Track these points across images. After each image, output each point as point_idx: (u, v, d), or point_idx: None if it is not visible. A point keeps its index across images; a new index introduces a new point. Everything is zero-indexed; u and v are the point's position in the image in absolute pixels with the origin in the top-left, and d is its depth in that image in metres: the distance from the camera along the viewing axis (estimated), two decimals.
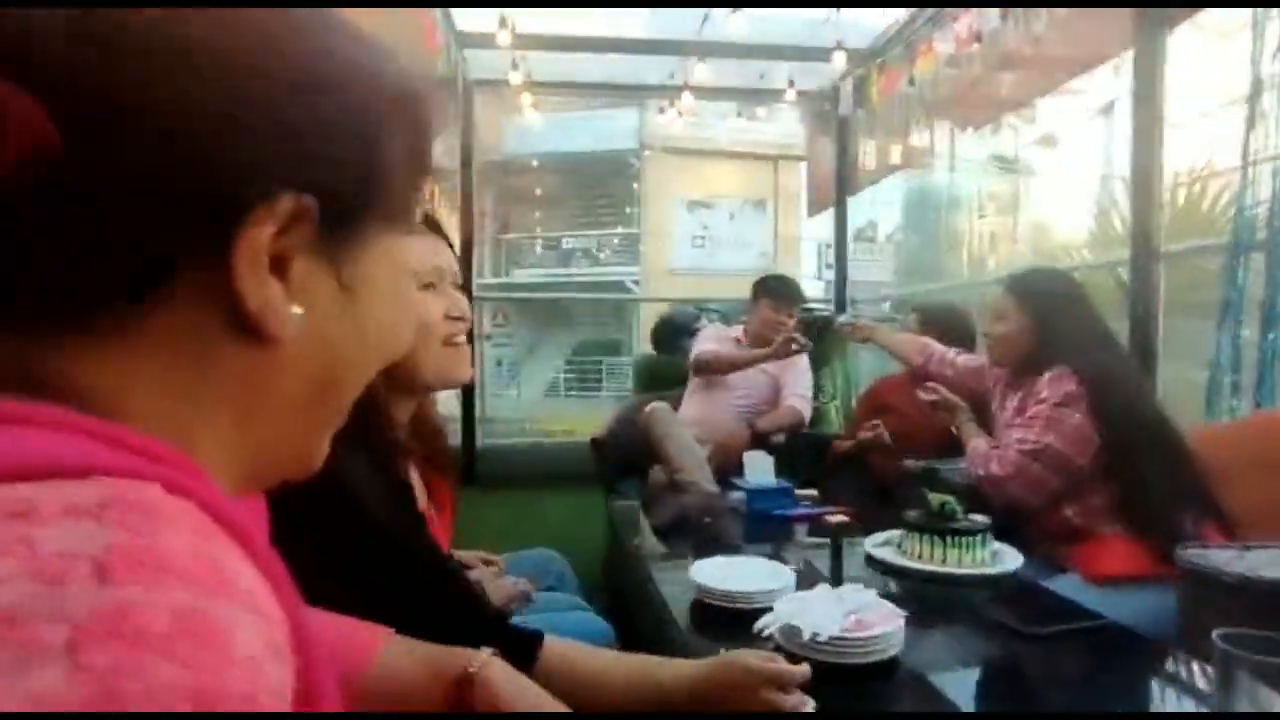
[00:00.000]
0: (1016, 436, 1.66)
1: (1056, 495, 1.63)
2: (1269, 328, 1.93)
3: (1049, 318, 1.74)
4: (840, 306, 4.74)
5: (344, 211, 0.35)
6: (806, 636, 0.98)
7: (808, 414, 2.72)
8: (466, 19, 3.51)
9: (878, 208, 13.12)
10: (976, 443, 1.78)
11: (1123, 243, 2.63)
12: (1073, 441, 1.59)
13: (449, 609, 0.85)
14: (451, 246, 1.06)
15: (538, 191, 14.10)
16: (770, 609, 1.07)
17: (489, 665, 0.72)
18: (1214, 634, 0.72)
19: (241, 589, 0.26)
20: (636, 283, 12.85)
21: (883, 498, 2.10)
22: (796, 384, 2.73)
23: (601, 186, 14.06)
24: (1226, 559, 1.16)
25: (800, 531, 1.79)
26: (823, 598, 1.07)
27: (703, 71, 3.44)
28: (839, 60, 3.30)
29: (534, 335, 14.03)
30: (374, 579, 0.82)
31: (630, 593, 1.60)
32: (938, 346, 2.21)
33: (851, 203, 5.33)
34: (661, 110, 4.12)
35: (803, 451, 2.72)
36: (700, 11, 3.12)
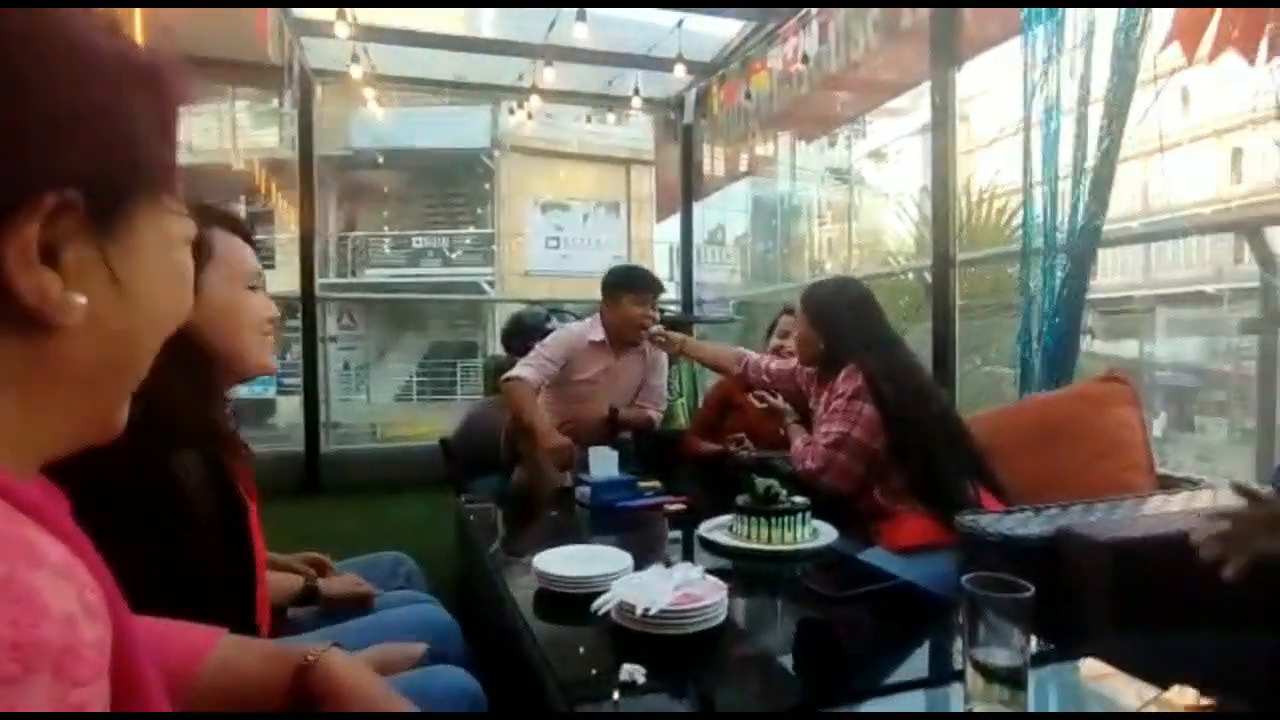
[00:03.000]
0: (822, 431, 1.85)
1: (863, 479, 1.81)
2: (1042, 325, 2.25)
3: (831, 324, 1.93)
4: (688, 307, 4.95)
5: (110, 197, 0.37)
6: (639, 612, 1.05)
7: (659, 421, 2.83)
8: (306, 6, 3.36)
9: (727, 213, 13.75)
10: (796, 442, 1.96)
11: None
12: (867, 429, 1.78)
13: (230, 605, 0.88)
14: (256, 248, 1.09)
15: (386, 188, 13.55)
16: (607, 591, 1.14)
17: (330, 653, 0.73)
18: (963, 579, 0.87)
19: (51, 559, 0.28)
20: (491, 283, 12.67)
21: (726, 487, 2.24)
22: (656, 391, 2.80)
23: (454, 185, 13.74)
24: (991, 522, 1.37)
25: (644, 520, 1.89)
26: (654, 577, 1.15)
27: (551, 75, 3.48)
28: (680, 72, 3.46)
29: (384, 337, 13.47)
30: (187, 571, 0.82)
31: (478, 586, 1.62)
32: (751, 355, 2.35)
33: (701, 207, 5.57)
34: (512, 111, 4.14)
35: (651, 448, 2.85)
36: (548, 17, 3.17)
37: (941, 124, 2.63)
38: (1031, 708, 0.86)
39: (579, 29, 2.95)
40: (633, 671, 0.95)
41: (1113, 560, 1.19)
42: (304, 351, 4.11)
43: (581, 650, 1.08)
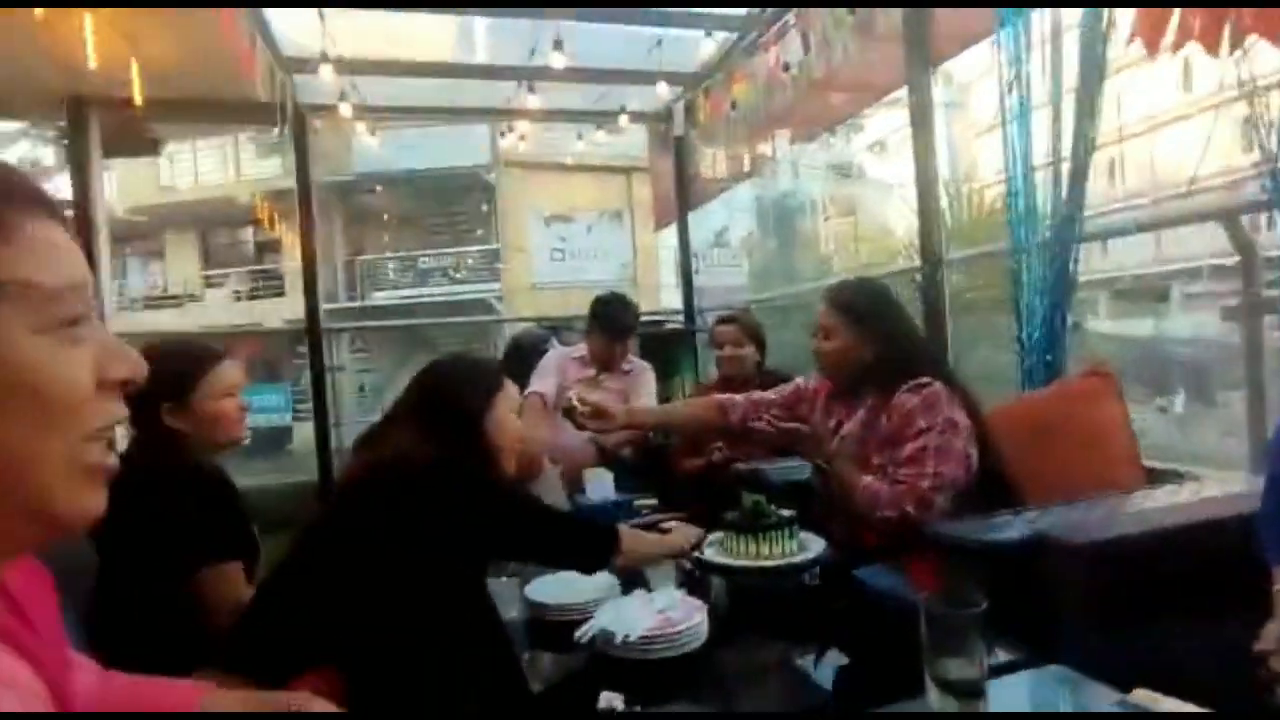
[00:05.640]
0: (912, 472, 1.58)
1: None
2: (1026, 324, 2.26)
3: (888, 330, 1.73)
4: (690, 317, 4.98)
5: None
6: (618, 639, 1.08)
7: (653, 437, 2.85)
8: (293, 44, 3.43)
9: (732, 214, 13.77)
10: (868, 482, 1.65)
11: (951, 241, 2.88)
12: (962, 465, 1.60)
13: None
14: None
15: (390, 211, 13.70)
16: (591, 617, 1.17)
17: (310, 700, 0.78)
18: (920, 595, 0.89)
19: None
20: (499, 299, 12.77)
21: (719, 501, 2.24)
22: (643, 403, 2.83)
23: (456, 203, 13.87)
24: (971, 529, 1.38)
25: None
26: (636, 602, 1.19)
27: (535, 99, 3.53)
28: (663, 88, 3.49)
29: (397, 358, 13.60)
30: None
31: None
32: (738, 399, 2.05)
33: (704, 212, 5.56)
34: (503, 134, 4.19)
35: (649, 463, 2.87)
36: (528, 41, 3.22)
37: (921, 125, 2.64)
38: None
39: (555, 58, 3.00)
40: (610, 699, 0.98)
41: (1087, 564, 1.21)
42: (311, 380, 4.18)
43: (566, 678, 1.12)
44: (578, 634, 1.14)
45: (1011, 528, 1.39)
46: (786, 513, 1.60)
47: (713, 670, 1.13)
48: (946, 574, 1.42)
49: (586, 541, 1.31)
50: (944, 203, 3.24)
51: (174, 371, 1.46)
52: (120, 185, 13.79)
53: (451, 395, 1.32)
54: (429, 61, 3.50)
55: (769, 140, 4.96)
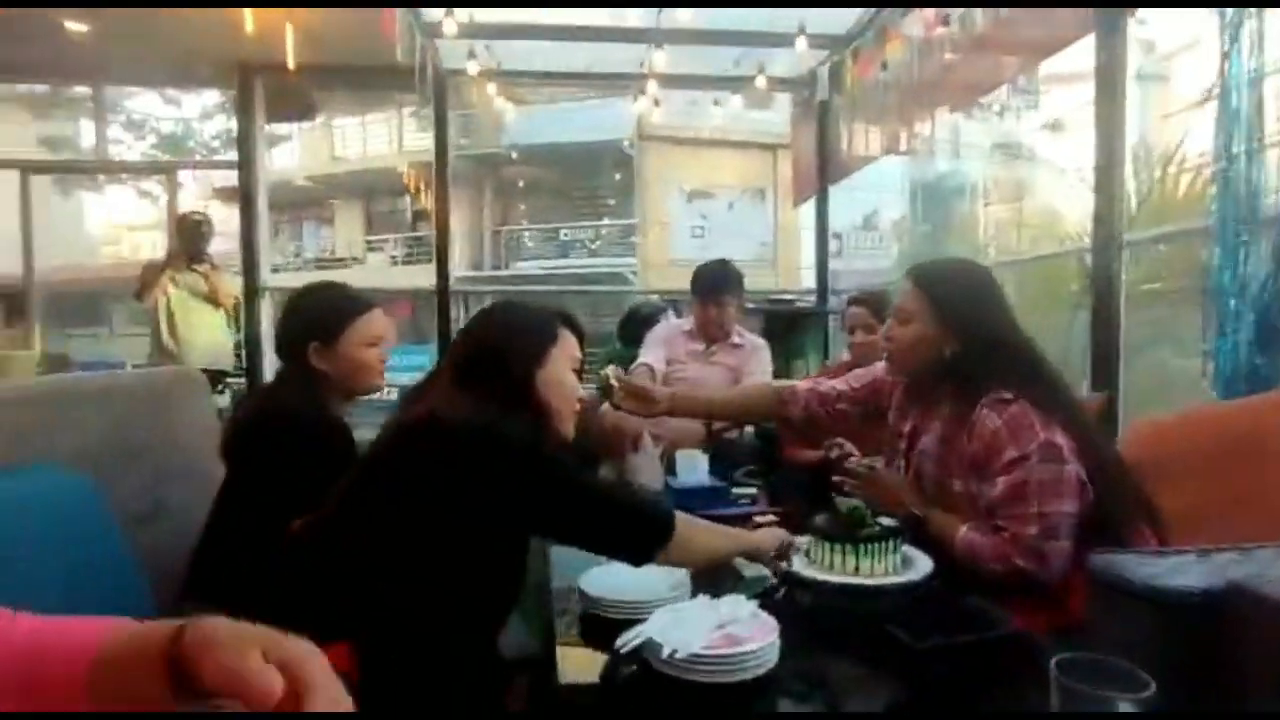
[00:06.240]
0: (1012, 514, 1.32)
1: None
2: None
3: (974, 320, 1.43)
4: (823, 296, 4.67)
5: None
6: (665, 653, 0.92)
7: None
8: (433, 12, 3.46)
9: (882, 197, 12.95)
10: (964, 533, 1.38)
11: (1131, 223, 2.48)
12: (1075, 496, 1.32)
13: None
14: None
15: (533, 182, 14.06)
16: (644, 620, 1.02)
17: (202, 620, 0.66)
18: (1052, 661, 0.67)
19: None
20: (635, 273, 12.79)
21: (825, 503, 2.01)
22: (755, 380, 2.66)
23: (599, 176, 14.00)
24: (1134, 565, 1.09)
25: None
26: (699, 609, 1.02)
27: (663, 59, 3.36)
28: (802, 45, 3.22)
29: None
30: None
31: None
32: (800, 388, 1.82)
33: (850, 190, 5.18)
34: (635, 99, 4.06)
35: (760, 448, 2.67)
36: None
37: (1108, 84, 2.23)
38: None
39: (682, 11, 2.82)
40: None
41: None
42: (438, 341, 4.29)
43: (599, 689, 0.97)
44: (619, 641, 0.98)
45: (1191, 572, 1.09)
46: (889, 522, 1.36)
47: (773, 701, 0.95)
48: (1087, 626, 1.15)
49: (629, 526, 1.12)
50: (1130, 185, 2.77)
51: (325, 314, 1.50)
52: (299, 156, 15.05)
53: (498, 347, 1.18)
54: (558, 25, 3.42)
55: (924, 110, 4.51)
